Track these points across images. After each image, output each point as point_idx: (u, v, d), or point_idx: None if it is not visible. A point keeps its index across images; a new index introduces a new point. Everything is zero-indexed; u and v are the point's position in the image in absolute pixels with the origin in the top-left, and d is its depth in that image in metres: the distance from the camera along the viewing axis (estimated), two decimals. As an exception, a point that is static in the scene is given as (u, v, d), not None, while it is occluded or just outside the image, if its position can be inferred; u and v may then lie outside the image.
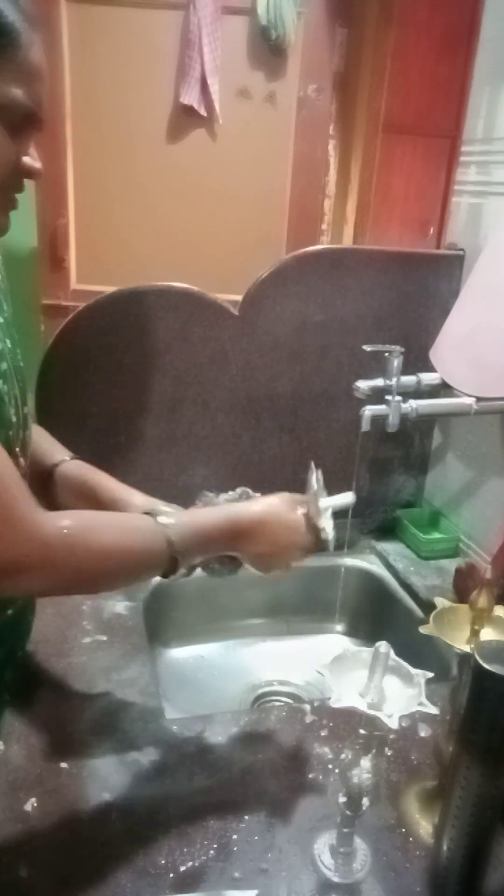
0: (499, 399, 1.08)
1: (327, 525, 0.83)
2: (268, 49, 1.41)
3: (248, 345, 1.25)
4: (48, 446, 0.88)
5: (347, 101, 1.48)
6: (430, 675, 0.66)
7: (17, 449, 0.73)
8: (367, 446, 1.35)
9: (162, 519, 0.70)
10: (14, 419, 0.71)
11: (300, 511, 0.82)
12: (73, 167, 1.49)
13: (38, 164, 0.66)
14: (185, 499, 0.89)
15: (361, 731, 0.65)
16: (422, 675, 0.66)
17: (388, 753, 0.84)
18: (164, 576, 0.71)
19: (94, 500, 0.83)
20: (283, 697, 1.17)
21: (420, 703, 0.63)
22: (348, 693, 0.64)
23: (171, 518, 0.71)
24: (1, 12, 0.58)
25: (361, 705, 0.63)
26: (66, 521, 0.63)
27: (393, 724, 0.61)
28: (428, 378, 1.14)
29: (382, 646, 0.64)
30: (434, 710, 0.63)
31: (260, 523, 0.77)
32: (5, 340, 0.73)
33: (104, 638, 1.03)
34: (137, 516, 0.72)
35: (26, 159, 0.65)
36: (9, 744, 0.81)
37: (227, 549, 0.77)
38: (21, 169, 0.65)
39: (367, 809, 0.75)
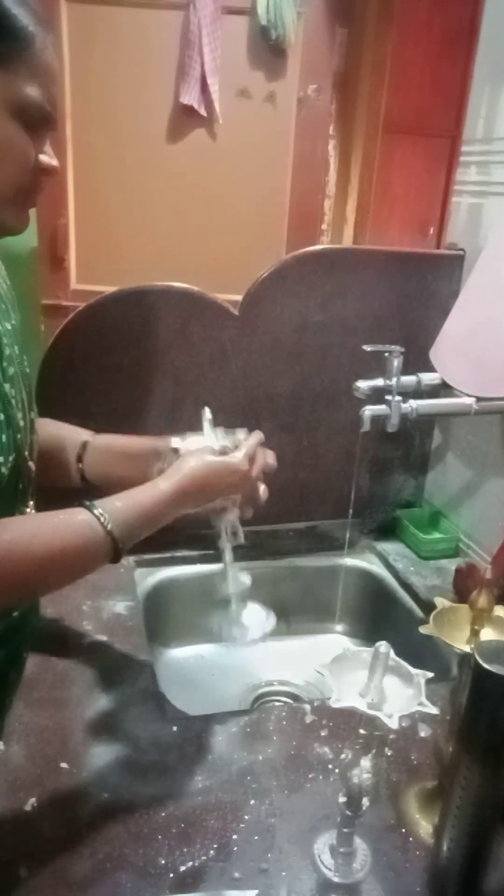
0: (499, 399, 1.08)
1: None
2: (268, 49, 1.42)
3: (248, 345, 1.25)
4: (69, 429, 0.93)
5: (347, 101, 1.48)
6: (430, 675, 0.66)
7: (26, 452, 0.74)
8: (367, 446, 1.35)
9: (98, 510, 0.70)
10: (22, 423, 0.73)
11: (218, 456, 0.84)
12: (73, 167, 1.49)
13: (54, 162, 0.68)
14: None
15: (361, 731, 0.65)
16: (422, 676, 0.66)
17: (388, 753, 0.84)
18: (112, 562, 0.72)
19: (128, 457, 0.90)
20: (283, 697, 1.17)
21: (420, 703, 0.63)
22: (348, 693, 0.64)
23: (108, 505, 0.71)
24: (16, 17, 0.61)
25: (361, 705, 0.63)
26: (6, 536, 0.64)
27: (393, 724, 0.61)
28: (428, 378, 1.14)
29: (382, 646, 0.64)
30: (434, 710, 0.63)
31: (196, 481, 0.78)
32: (13, 346, 0.75)
33: (104, 638, 1.03)
34: (74, 513, 0.71)
35: (43, 157, 0.67)
36: (9, 744, 0.81)
37: (174, 516, 0.77)
38: (39, 167, 0.67)
39: (368, 809, 0.76)
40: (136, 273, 1.22)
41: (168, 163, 1.49)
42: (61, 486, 0.89)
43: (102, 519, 0.69)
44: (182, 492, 0.77)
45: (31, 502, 0.79)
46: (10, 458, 0.71)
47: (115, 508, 0.71)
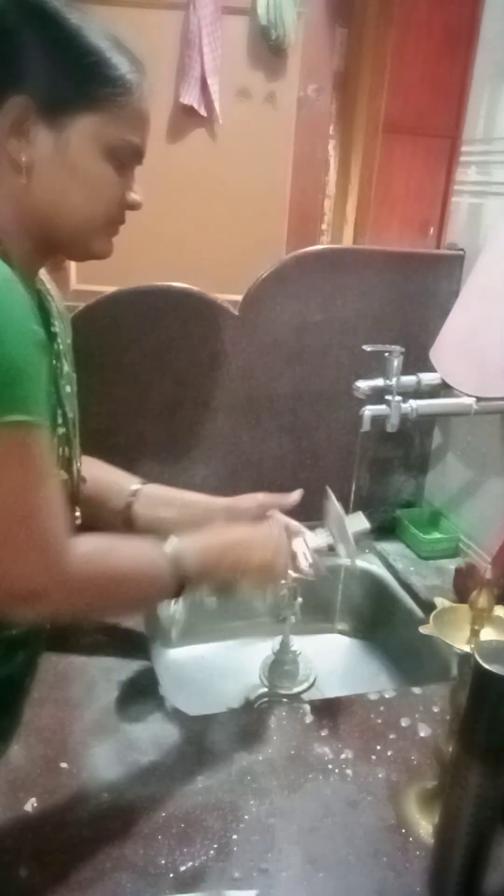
0: (499, 399, 1.09)
1: (348, 546, 0.92)
2: (268, 49, 1.41)
3: (248, 345, 1.25)
4: (117, 476, 0.97)
5: (347, 101, 1.48)
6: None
7: (77, 462, 0.81)
8: (367, 446, 1.35)
9: (171, 545, 0.75)
10: (67, 477, 0.78)
11: (290, 539, 0.91)
12: (73, 167, 1.48)
13: (139, 198, 0.73)
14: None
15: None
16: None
17: (389, 754, 0.84)
18: (174, 595, 0.76)
19: (183, 509, 0.95)
20: (284, 697, 1.17)
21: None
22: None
23: (183, 543, 0.76)
24: (116, 66, 0.66)
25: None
26: (87, 548, 0.66)
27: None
28: (428, 378, 1.14)
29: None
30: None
31: (251, 539, 0.85)
32: (75, 411, 0.81)
33: (104, 638, 1.03)
34: (151, 543, 0.75)
35: (132, 195, 0.72)
36: (8, 745, 0.81)
37: (231, 568, 0.82)
38: (126, 203, 0.72)
39: (368, 809, 0.76)
40: (136, 273, 1.22)
41: (168, 163, 1.48)
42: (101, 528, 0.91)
43: (177, 551, 0.74)
44: (241, 545, 0.84)
45: (78, 512, 0.83)
46: (61, 473, 0.76)
47: (190, 546, 0.76)
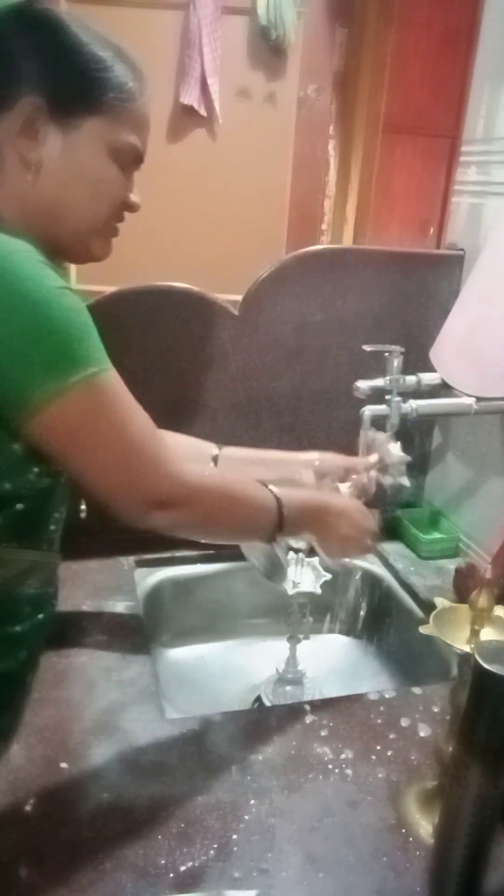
0: (499, 399, 1.09)
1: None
2: (268, 49, 1.41)
3: (248, 345, 1.25)
4: (194, 441, 1.04)
5: (347, 101, 1.48)
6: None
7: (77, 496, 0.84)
8: (367, 446, 1.34)
9: (274, 488, 0.83)
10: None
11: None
12: (73, 167, 1.48)
13: (136, 198, 0.77)
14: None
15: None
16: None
17: (389, 754, 0.84)
18: (267, 540, 0.84)
19: (270, 465, 1.05)
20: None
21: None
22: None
23: (285, 492, 0.83)
24: (127, 81, 0.70)
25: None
26: (205, 471, 0.80)
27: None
28: (428, 378, 1.14)
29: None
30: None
31: (345, 509, 0.92)
32: None
33: (104, 638, 1.03)
34: (259, 482, 0.83)
35: (132, 196, 0.76)
36: (9, 744, 0.81)
37: (319, 525, 0.89)
38: (126, 204, 0.76)
39: (368, 809, 0.76)
40: (136, 273, 1.22)
41: (168, 163, 1.48)
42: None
43: (282, 495, 0.82)
44: (331, 509, 0.91)
45: (84, 505, 0.88)
46: None
47: (294, 496, 0.85)
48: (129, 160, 0.74)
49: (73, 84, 0.69)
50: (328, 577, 1.03)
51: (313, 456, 1.07)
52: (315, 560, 1.04)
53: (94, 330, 0.67)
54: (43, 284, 0.62)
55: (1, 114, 0.67)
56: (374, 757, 0.84)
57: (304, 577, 1.03)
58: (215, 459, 1.02)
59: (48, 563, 0.76)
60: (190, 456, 0.97)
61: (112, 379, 0.69)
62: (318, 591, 1.01)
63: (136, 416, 0.71)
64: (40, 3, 0.68)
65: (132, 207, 0.77)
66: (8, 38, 0.66)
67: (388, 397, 1.09)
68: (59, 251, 0.74)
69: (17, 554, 0.70)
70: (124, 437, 0.68)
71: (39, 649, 0.84)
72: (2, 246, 0.62)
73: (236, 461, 1.04)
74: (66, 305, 0.63)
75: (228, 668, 1.22)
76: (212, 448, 1.03)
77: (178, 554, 1.28)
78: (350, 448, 1.27)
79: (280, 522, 0.82)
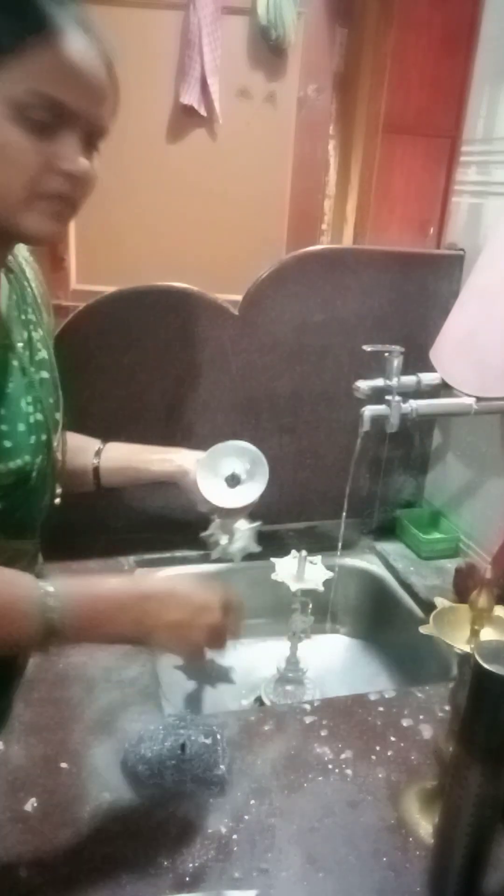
0: (499, 399, 1.08)
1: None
2: (268, 49, 1.41)
3: (248, 345, 1.25)
4: (82, 438, 1.01)
5: (347, 101, 1.48)
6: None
7: (56, 449, 0.83)
8: (367, 446, 1.34)
9: (48, 586, 0.63)
10: (51, 424, 0.80)
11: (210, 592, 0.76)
12: (73, 167, 1.48)
13: (72, 165, 0.62)
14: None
15: None
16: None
17: (389, 754, 0.84)
18: (40, 647, 0.64)
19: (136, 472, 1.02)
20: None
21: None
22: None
23: (64, 588, 0.64)
24: (42, 14, 0.57)
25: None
26: None
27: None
28: (428, 378, 1.14)
29: None
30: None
31: (169, 591, 0.71)
32: (47, 350, 0.81)
33: (104, 638, 1.03)
34: (30, 579, 0.65)
35: (66, 162, 0.62)
36: (9, 744, 0.81)
37: (134, 623, 0.68)
38: (56, 171, 0.62)
39: (368, 809, 0.76)
40: (136, 273, 1.22)
41: (168, 163, 1.48)
42: (78, 491, 0.96)
43: (50, 592, 0.63)
44: (147, 592, 0.70)
45: (59, 490, 0.86)
46: (38, 459, 0.77)
47: (73, 592, 0.64)
48: (49, 118, 0.60)
49: None
50: (331, 574, 1.02)
51: (197, 454, 1.05)
52: (318, 559, 1.03)
53: None
54: None
55: None
56: (374, 757, 0.84)
57: (307, 574, 1.02)
58: (98, 453, 1.00)
59: (29, 550, 0.77)
60: (73, 450, 0.93)
61: None
62: (321, 588, 1.00)
63: None
64: None
65: (72, 174, 0.63)
66: None
67: (387, 397, 1.09)
68: None
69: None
70: None
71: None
72: None
73: (118, 455, 1.01)
74: None
75: (228, 668, 1.22)
76: (96, 443, 1.02)
77: (178, 554, 1.28)
78: (350, 448, 1.27)
79: (48, 629, 0.62)
